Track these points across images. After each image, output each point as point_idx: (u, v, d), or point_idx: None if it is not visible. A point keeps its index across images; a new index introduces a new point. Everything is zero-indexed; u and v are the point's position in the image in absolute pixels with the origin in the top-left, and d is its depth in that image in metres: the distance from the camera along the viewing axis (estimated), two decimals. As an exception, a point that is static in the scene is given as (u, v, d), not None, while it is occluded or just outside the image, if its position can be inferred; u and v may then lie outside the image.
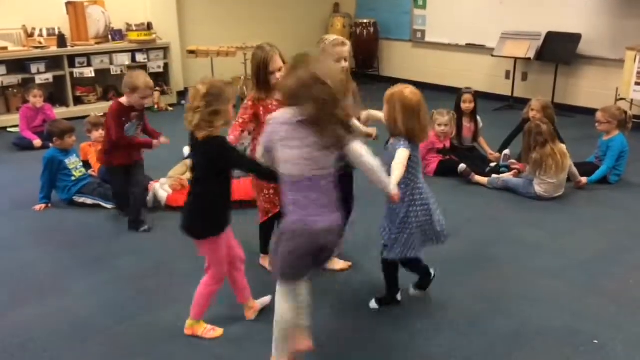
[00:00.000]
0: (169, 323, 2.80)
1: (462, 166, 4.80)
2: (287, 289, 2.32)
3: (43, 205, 4.26)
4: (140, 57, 7.35)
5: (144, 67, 7.24)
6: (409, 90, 2.74)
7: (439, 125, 4.95)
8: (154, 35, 7.48)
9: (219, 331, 2.72)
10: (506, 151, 5.02)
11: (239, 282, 2.78)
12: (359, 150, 2.28)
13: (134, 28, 7.42)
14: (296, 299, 2.32)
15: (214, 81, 2.53)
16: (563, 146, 4.48)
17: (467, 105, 5.20)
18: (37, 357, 2.61)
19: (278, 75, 2.99)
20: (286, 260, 2.25)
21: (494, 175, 4.74)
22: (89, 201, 4.30)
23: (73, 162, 4.37)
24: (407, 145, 2.63)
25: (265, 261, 3.31)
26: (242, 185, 3.88)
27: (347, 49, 3.05)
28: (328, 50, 3.02)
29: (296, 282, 2.31)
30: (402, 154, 2.60)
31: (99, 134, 4.74)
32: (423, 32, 8.76)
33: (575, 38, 6.92)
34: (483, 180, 4.74)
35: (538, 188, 4.42)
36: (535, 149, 4.38)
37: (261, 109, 3.06)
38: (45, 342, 2.71)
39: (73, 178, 4.31)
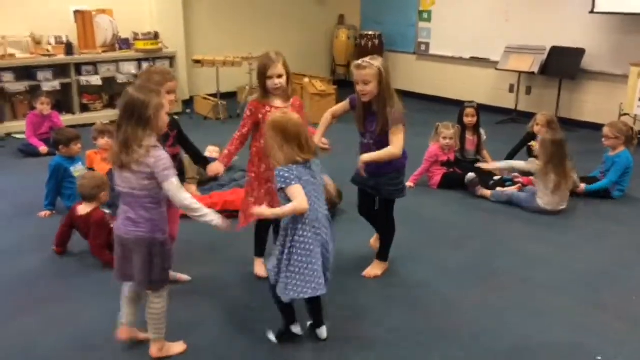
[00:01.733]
0: (172, 330, 2.80)
1: (471, 175, 4.80)
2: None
3: (48, 212, 4.27)
4: (146, 66, 7.39)
5: (150, 75, 7.27)
6: (279, 114, 2.63)
7: (444, 138, 4.96)
8: (160, 45, 7.53)
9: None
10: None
11: None
12: (171, 188, 2.40)
13: (141, 37, 7.47)
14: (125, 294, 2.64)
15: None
16: (569, 165, 4.48)
17: (469, 119, 5.22)
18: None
19: (277, 81, 3.05)
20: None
21: (498, 189, 4.75)
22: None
23: (78, 170, 4.39)
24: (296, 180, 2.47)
25: (259, 267, 3.35)
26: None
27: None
28: None
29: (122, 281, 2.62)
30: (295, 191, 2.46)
31: (105, 141, 4.75)
32: (427, 44, 8.80)
33: (580, 53, 6.95)
34: (487, 193, 4.74)
35: (541, 201, 4.42)
36: (554, 160, 4.37)
37: (260, 115, 3.11)
38: (49, 351, 2.71)
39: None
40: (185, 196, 2.43)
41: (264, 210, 2.58)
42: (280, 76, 3.05)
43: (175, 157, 3.00)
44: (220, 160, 3.19)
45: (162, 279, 2.55)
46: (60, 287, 3.29)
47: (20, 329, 2.88)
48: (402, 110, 3.05)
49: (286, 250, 2.52)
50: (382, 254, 3.45)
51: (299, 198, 2.43)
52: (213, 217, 2.47)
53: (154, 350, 2.63)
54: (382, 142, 3.05)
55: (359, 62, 3.02)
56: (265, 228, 3.33)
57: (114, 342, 2.72)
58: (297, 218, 2.48)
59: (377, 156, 3.04)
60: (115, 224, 2.54)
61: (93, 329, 2.85)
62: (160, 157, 2.37)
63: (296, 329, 2.76)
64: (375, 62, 2.98)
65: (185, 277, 3.33)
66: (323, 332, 2.77)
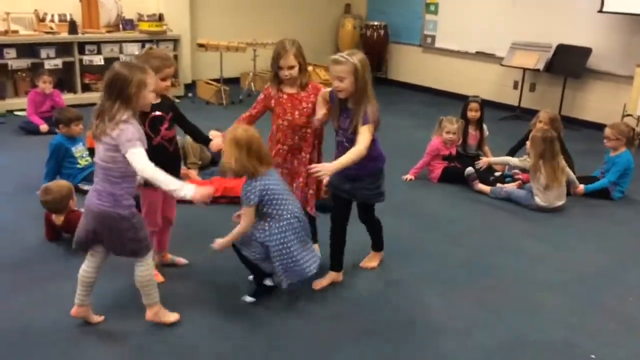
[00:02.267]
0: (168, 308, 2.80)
1: (470, 169, 4.80)
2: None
3: None
4: (147, 47, 7.34)
5: (153, 57, 7.24)
6: (240, 131, 2.82)
7: (447, 132, 4.95)
8: (164, 27, 7.49)
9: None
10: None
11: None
12: (133, 158, 2.39)
13: (146, 18, 7.43)
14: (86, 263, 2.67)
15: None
16: (562, 162, 4.49)
17: (473, 113, 5.20)
18: (38, 342, 2.62)
19: (287, 72, 3.07)
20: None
21: (498, 185, 4.75)
22: (88, 188, 4.30)
23: (79, 150, 4.38)
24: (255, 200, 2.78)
25: None
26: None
27: None
28: None
29: (85, 251, 2.65)
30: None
31: None
32: (433, 37, 8.76)
33: (586, 52, 6.91)
34: (486, 189, 4.74)
35: (537, 198, 4.42)
36: (545, 157, 4.39)
37: (272, 101, 3.16)
38: (46, 328, 2.72)
39: (79, 166, 4.32)
40: (147, 167, 2.39)
41: (221, 242, 2.83)
42: (291, 67, 3.05)
43: (171, 141, 2.99)
44: (223, 136, 3.14)
45: (139, 247, 2.57)
46: (58, 266, 3.29)
47: (16, 307, 2.88)
48: (376, 111, 2.86)
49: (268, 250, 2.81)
50: (377, 245, 3.42)
51: (247, 220, 2.77)
52: (186, 191, 2.43)
53: (149, 314, 2.70)
54: (355, 141, 2.83)
55: (335, 56, 2.83)
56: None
57: (110, 320, 2.75)
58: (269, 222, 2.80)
59: (344, 162, 2.76)
60: (86, 196, 2.58)
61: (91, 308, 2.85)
62: (125, 130, 2.38)
63: (268, 282, 2.96)
64: (352, 58, 2.78)
65: (183, 260, 3.33)
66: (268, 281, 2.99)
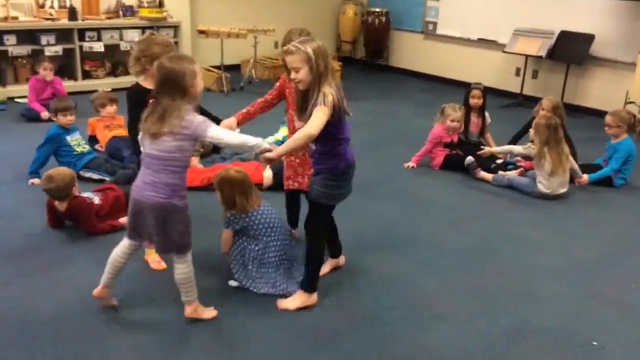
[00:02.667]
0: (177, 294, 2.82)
1: (470, 159, 4.79)
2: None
3: (36, 180, 4.11)
4: (147, 33, 7.29)
5: (153, 44, 7.20)
6: (232, 172, 3.04)
7: (452, 120, 4.93)
8: (165, 13, 7.43)
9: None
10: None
11: None
12: (214, 132, 2.46)
13: (145, 5, 7.36)
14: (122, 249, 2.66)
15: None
16: (567, 149, 4.47)
17: (475, 100, 5.18)
18: (43, 327, 2.63)
19: (293, 75, 3.01)
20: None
21: (500, 173, 4.74)
22: (95, 176, 4.30)
23: (75, 139, 4.38)
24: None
25: None
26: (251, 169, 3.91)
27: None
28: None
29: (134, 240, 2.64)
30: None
31: (113, 109, 4.80)
32: (435, 24, 8.70)
33: (588, 39, 6.87)
34: (488, 176, 4.73)
35: (540, 186, 4.41)
36: (549, 144, 4.37)
37: (286, 90, 3.19)
38: (51, 313, 2.73)
39: (75, 153, 4.33)
40: (227, 134, 2.50)
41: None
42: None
43: None
44: (236, 116, 3.16)
45: (183, 243, 2.57)
46: (61, 253, 3.30)
47: (18, 294, 2.89)
48: (333, 94, 2.52)
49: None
50: (304, 282, 2.89)
51: (223, 243, 3.08)
52: (258, 142, 2.52)
53: (188, 310, 2.69)
54: (317, 137, 2.52)
55: (287, 46, 2.61)
56: (295, 199, 3.40)
57: (115, 308, 2.76)
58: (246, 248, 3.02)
59: (292, 144, 2.55)
60: (134, 185, 2.54)
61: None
62: (192, 116, 2.42)
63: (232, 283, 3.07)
64: (304, 46, 2.53)
65: None
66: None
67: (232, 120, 3.12)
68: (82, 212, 3.49)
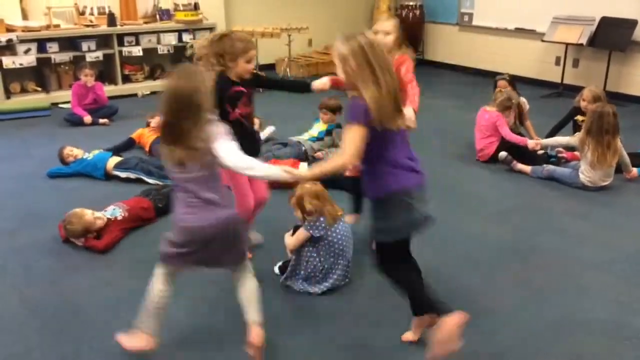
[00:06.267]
0: (213, 292, 2.86)
1: (503, 154, 4.71)
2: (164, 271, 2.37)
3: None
4: (186, 37, 7.44)
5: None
6: (308, 185, 2.95)
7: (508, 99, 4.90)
8: (200, 16, 7.55)
9: None
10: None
11: None
12: (219, 147, 2.19)
13: (181, 8, 7.50)
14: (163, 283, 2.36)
15: None
16: (617, 142, 4.31)
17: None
18: (90, 325, 2.71)
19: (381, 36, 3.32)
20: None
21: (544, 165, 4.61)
22: (132, 175, 4.42)
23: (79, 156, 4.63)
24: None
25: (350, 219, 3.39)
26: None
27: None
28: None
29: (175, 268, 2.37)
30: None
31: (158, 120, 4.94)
32: (471, 15, 8.58)
33: (631, 24, 6.65)
34: (526, 169, 4.63)
35: (582, 176, 4.30)
36: (591, 132, 4.22)
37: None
38: (95, 312, 2.81)
39: (89, 158, 4.57)
40: (231, 157, 2.18)
41: None
42: (387, 33, 3.29)
43: (248, 117, 3.00)
44: (330, 79, 3.07)
45: (245, 252, 2.42)
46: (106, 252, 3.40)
47: (69, 289, 3.00)
48: (362, 105, 2.10)
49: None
50: (413, 307, 2.52)
51: (293, 243, 2.98)
52: (272, 172, 2.25)
53: (258, 332, 2.34)
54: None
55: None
56: (356, 186, 3.26)
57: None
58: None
59: (321, 170, 2.22)
60: (182, 218, 2.25)
61: (134, 293, 2.91)
62: (210, 130, 2.18)
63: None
64: (341, 44, 2.17)
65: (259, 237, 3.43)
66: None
67: (325, 81, 3.05)
68: (92, 248, 3.45)
